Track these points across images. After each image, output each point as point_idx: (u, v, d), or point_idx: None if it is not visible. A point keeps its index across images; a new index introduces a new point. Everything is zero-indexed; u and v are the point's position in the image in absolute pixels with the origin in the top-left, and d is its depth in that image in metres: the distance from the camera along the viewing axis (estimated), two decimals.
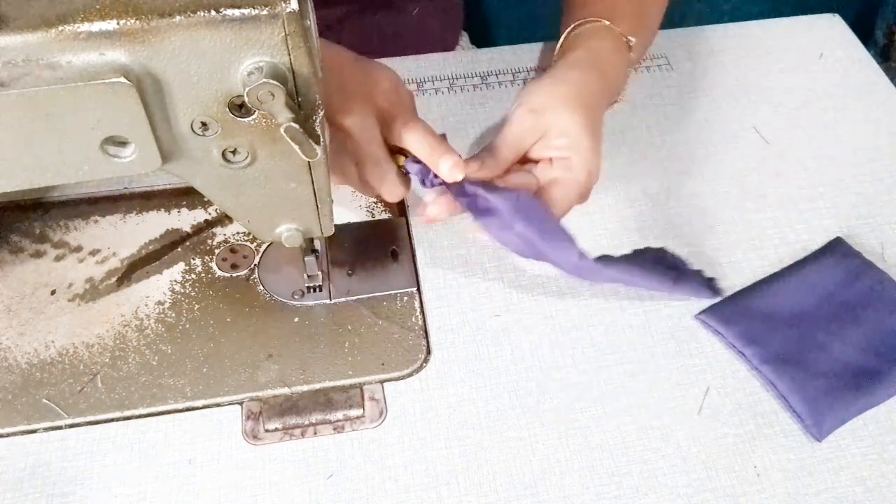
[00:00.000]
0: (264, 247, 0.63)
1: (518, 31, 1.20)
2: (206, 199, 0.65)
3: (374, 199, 0.67)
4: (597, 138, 0.58)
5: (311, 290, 0.61)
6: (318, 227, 0.52)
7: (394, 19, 0.86)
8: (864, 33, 1.36)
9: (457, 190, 0.55)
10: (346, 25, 0.84)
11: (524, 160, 0.59)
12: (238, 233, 0.64)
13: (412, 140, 0.54)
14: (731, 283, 0.61)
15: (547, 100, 0.57)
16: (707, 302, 0.60)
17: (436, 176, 0.55)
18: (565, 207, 0.57)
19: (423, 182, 0.56)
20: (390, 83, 0.56)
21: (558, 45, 0.66)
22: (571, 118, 0.56)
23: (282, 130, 0.41)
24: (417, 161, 0.55)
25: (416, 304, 0.60)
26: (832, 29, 0.81)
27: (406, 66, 0.77)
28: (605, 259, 0.57)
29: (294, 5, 0.37)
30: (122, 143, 0.41)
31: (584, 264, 0.56)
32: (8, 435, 0.53)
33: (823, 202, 0.67)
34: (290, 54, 0.39)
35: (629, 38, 0.64)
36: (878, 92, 0.75)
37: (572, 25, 0.65)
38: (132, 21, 0.37)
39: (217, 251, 0.63)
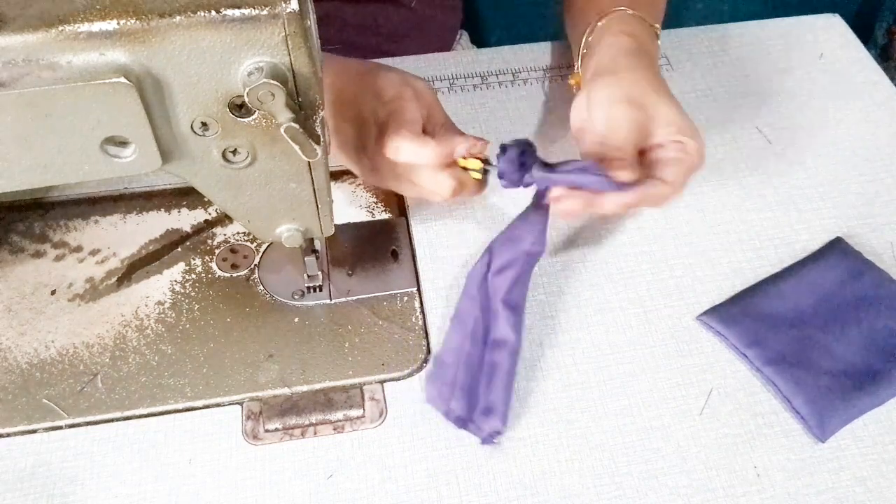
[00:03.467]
0: (264, 247, 0.63)
1: (518, 30, 1.20)
2: (206, 199, 0.65)
3: (375, 199, 0.67)
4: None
5: (311, 290, 0.61)
6: (318, 227, 0.52)
7: (393, 12, 0.86)
8: (864, 33, 1.36)
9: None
10: (344, 18, 0.83)
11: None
12: (238, 233, 0.64)
13: (399, 152, 0.54)
14: (732, 283, 0.61)
15: (639, 90, 0.57)
16: (708, 303, 0.60)
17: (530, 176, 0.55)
18: (681, 185, 0.57)
19: (514, 183, 0.55)
20: (394, 90, 0.56)
21: (586, 35, 0.64)
22: (671, 105, 0.57)
23: (282, 130, 0.41)
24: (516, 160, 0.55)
25: (416, 304, 0.60)
26: (832, 29, 0.81)
27: (406, 67, 0.76)
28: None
29: (294, 5, 0.37)
30: (122, 143, 0.41)
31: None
32: (8, 435, 0.53)
33: (823, 202, 0.67)
34: (290, 54, 0.39)
35: (656, 25, 0.64)
36: (878, 92, 0.75)
37: (601, 16, 0.64)
38: (132, 21, 0.37)
39: (217, 251, 0.63)
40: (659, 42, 0.65)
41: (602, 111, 0.57)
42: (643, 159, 0.58)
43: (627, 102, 0.57)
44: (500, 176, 0.56)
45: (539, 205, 0.57)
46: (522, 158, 0.55)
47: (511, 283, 0.56)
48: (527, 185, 0.56)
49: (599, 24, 0.63)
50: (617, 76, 0.58)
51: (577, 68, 0.65)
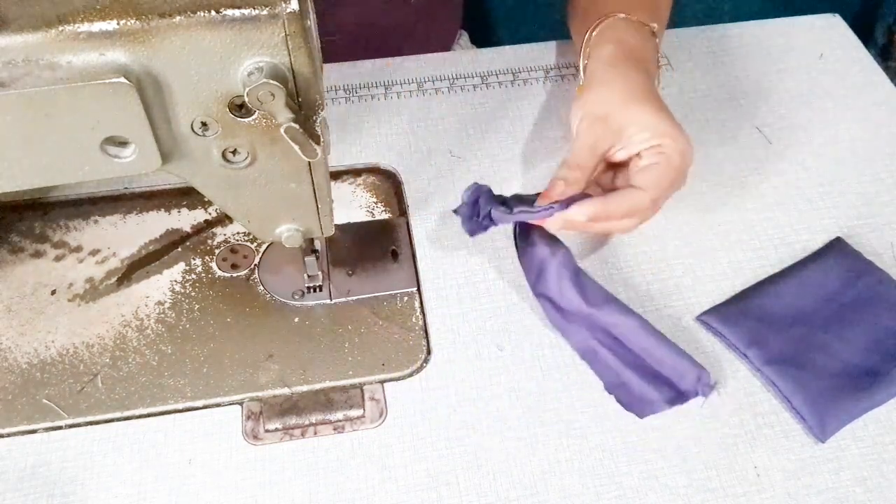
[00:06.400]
0: (264, 247, 0.63)
1: (518, 30, 1.20)
2: (206, 199, 0.65)
3: (375, 199, 0.67)
4: (675, 120, 0.57)
5: (312, 290, 0.61)
6: (318, 228, 0.52)
7: (393, 12, 0.86)
8: (864, 33, 1.36)
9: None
10: (344, 18, 0.83)
11: (611, 166, 0.60)
12: (238, 233, 0.64)
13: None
14: (732, 283, 0.61)
15: (607, 104, 0.58)
16: (708, 303, 0.60)
17: (489, 218, 0.57)
18: (660, 189, 0.56)
19: (475, 227, 0.58)
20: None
21: (583, 45, 0.65)
22: (646, 110, 0.57)
23: (282, 130, 0.41)
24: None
25: (416, 304, 0.60)
26: (832, 29, 0.81)
27: (406, 66, 0.77)
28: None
29: (294, 5, 0.37)
30: (122, 143, 0.41)
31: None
32: (8, 435, 0.54)
33: (823, 202, 0.67)
34: (290, 54, 0.39)
35: (651, 24, 0.64)
36: (878, 92, 0.75)
37: (593, 25, 0.64)
38: (132, 21, 0.37)
39: (217, 251, 0.63)
40: (658, 40, 0.65)
41: (573, 127, 0.59)
42: (620, 172, 0.59)
43: (591, 119, 0.58)
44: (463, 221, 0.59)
45: (524, 229, 0.59)
46: (478, 203, 0.58)
47: (576, 290, 0.57)
48: (486, 228, 0.58)
49: (594, 33, 0.64)
50: (590, 92, 0.60)
51: (580, 78, 0.65)
